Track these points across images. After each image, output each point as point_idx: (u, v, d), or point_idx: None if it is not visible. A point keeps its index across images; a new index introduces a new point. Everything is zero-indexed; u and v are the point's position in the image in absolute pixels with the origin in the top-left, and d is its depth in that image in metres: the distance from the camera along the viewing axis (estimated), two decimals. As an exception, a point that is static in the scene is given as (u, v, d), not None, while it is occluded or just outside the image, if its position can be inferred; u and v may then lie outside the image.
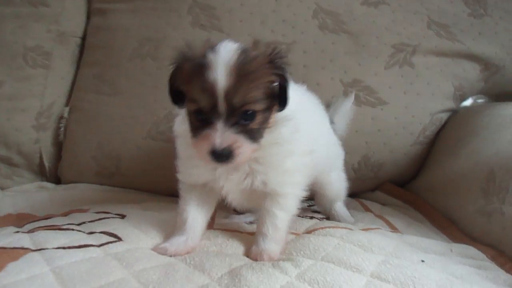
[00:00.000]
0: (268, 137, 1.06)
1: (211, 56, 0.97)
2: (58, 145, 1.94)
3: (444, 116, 1.84)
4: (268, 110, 1.03)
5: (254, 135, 1.01)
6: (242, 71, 0.97)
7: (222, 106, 0.96)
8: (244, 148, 1.00)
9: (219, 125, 0.97)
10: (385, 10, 1.83)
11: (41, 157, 1.92)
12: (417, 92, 1.79)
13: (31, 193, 1.74)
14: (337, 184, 1.53)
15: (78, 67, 2.00)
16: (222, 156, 0.97)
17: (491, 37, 1.88)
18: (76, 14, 2.02)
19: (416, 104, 1.78)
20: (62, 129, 1.91)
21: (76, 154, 1.85)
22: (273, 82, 1.02)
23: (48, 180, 1.95)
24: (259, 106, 1.00)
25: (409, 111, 1.77)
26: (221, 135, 0.97)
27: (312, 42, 1.78)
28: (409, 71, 1.79)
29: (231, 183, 1.12)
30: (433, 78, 1.80)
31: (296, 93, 1.11)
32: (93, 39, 1.96)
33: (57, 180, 1.95)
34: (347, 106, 1.64)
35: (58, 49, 1.96)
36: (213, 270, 0.98)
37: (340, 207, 1.55)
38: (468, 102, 2.08)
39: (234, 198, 1.18)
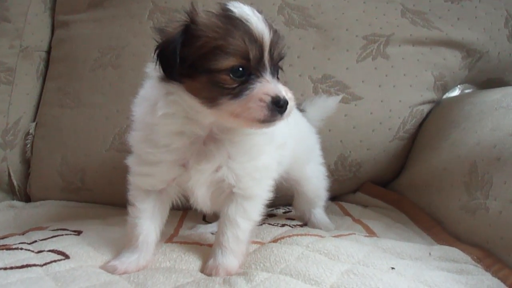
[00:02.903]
0: None
1: (240, 10, 0.93)
2: (27, 162, 1.89)
3: (426, 108, 1.74)
4: None
5: None
6: (272, 27, 0.94)
7: (267, 58, 0.93)
8: (293, 101, 0.95)
9: (268, 77, 0.92)
10: (355, 1, 1.75)
11: (9, 175, 1.87)
12: (393, 84, 1.69)
13: (-3, 212, 1.69)
14: (315, 180, 1.44)
15: (44, 82, 1.95)
16: (284, 106, 0.91)
17: (471, 22, 1.77)
18: (39, 28, 1.98)
19: (392, 97, 1.68)
20: (28, 145, 1.87)
21: (42, 171, 1.80)
22: None
23: (18, 199, 1.90)
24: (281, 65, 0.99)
25: (385, 105, 1.67)
26: (279, 86, 0.92)
27: (278, 39, 1.70)
28: (383, 63, 1.69)
29: (201, 175, 1.03)
30: (410, 68, 1.70)
31: None
32: (57, 52, 1.92)
33: (28, 198, 1.89)
34: (328, 103, 1.55)
35: (22, 65, 1.93)
36: (155, 288, 0.92)
37: (319, 214, 1.47)
38: (455, 93, 1.98)
39: (199, 196, 1.08)
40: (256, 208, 1.09)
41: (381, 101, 1.67)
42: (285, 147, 1.16)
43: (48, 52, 1.98)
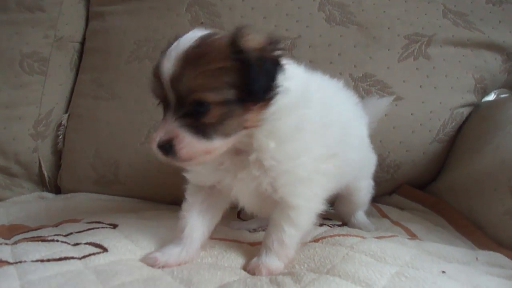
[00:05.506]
0: (261, 133, 0.95)
1: (171, 45, 0.91)
2: (58, 154, 1.88)
3: (465, 111, 1.70)
4: (237, 104, 0.89)
5: (205, 131, 0.89)
6: (191, 56, 0.87)
7: (171, 95, 0.89)
8: (186, 144, 0.88)
9: (168, 116, 0.90)
10: (397, 0, 1.71)
11: (40, 167, 1.86)
12: (435, 85, 1.65)
13: (27, 203, 1.68)
14: (365, 191, 1.42)
15: (77, 73, 1.94)
16: (164, 149, 0.89)
17: (513, 25, 1.73)
18: (74, 18, 1.97)
19: (433, 98, 1.64)
20: (60, 137, 1.85)
21: (74, 163, 1.79)
22: (239, 68, 0.87)
23: (48, 190, 1.89)
24: (213, 97, 0.87)
25: (426, 106, 1.64)
26: (166, 127, 0.89)
27: (319, 35, 1.67)
28: (425, 63, 1.65)
29: (240, 183, 1.01)
30: (452, 70, 1.66)
31: (308, 82, 1.02)
32: (92, 43, 1.91)
33: (58, 190, 1.88)
34: (380, 105, 1.52)
35: (56, 55, 1.91)
36: (200, 286, 0.88)
37: (361, 216, 1.45)
38: (490, 97, 1.93)
39: (245, 202, 1.07)
40: (302, 217, 1.03)
41: (422, 102, 1.64)
42: (341, 157, 1.08)
43: (82, 43, 1.97)
